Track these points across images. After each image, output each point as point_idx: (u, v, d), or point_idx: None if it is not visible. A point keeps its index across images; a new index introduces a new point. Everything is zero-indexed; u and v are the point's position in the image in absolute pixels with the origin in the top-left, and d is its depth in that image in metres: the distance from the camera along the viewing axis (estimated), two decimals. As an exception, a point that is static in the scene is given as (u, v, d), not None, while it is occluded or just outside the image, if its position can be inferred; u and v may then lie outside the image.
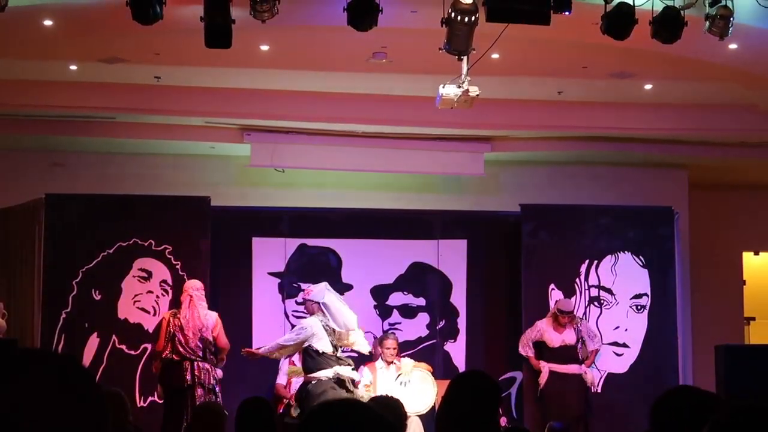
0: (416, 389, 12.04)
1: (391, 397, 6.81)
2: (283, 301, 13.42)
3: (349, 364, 10.99)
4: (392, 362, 12.32)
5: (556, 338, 12.82)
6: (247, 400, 5.89)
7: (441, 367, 13.48)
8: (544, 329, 12.88)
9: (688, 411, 3.26)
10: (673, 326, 13.62)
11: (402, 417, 5.94)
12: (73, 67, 11.88)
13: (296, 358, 12.01)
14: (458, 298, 13.86)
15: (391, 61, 11.60)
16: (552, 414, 12.70)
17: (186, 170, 13.77)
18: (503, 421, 13.41)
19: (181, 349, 11.13)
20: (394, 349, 12.39)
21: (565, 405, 12.69)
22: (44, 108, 12.52)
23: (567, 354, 12.81)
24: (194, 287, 11.52)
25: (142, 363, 12.63)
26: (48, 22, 10.06)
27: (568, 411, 12.61)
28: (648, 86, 12.55)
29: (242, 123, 13.14)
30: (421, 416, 11.59)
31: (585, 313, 13.39)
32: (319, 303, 10.91)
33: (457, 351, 13.78)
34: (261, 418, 5.51)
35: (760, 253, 16.41)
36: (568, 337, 12.82)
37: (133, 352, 12.60)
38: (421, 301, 13.80)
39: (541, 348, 12.87)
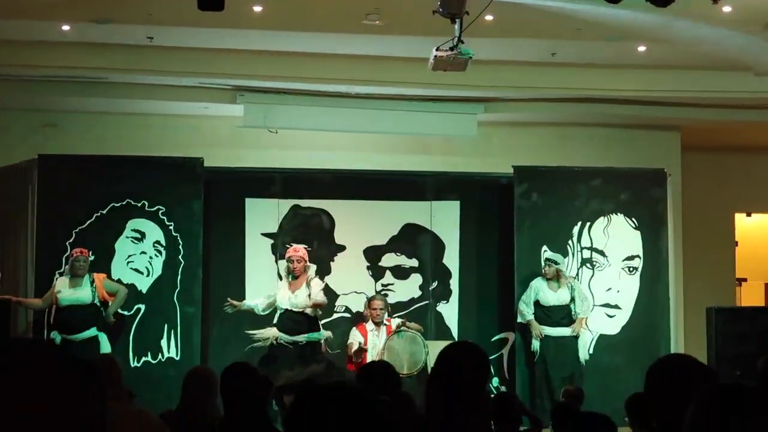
0: (405, 350, 12.08)
1: (382, 362, 6.84)
2: (276, 261, 13.44)
3: None
4: (381, 323, 12.36)
5: (551, 297, 12.89)
6: (233, 365, 5.89)
7: (433, 328, 13.54)
8: (539, 288, 12.94)
9: (682, 379, 3.28)
10: (665, 288, 13.67)
11: (395, 382, 5.96)
12: (66, 28, 11.81)
13: None
14: (451, 259, 13.90)
15: (385, 23, 11.56)
16: (544, 375, 12.79)
17: (179, 131, 13.74)
18: (495, 381, 13.49)
19: None
20: (381, 309, 12.42)
21: (557, 367, 12.77)
22: (36, 69, 12.46)
23: (561, 313, 12.87)
24: None
25: (135, 323, 12.68)
26: (40, -17, 10.00)
27: (559, 373, 12.70)
28: (641, 48, 12.52)
29: (235, 84, 13.10)
30: (411, 377, 11.63)
31: (577, 274, 13.44)
32: None
33: (449, 312, 13.83)
34: (248, 384, 5.50)
35: (752, 215, 16.45)
36: (563, 296, 12.88)
37: (126, 313, 12.63)
38: (414, 262, 13.84)
39: (535, 307, 12.93)
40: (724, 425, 2.33)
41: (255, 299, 12.36)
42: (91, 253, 12.28)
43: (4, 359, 1.69)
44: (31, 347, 1.73)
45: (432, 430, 3.73)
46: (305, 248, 12.50)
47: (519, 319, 13.05)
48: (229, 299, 12.28)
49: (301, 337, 11.86)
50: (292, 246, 12.46)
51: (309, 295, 11.85)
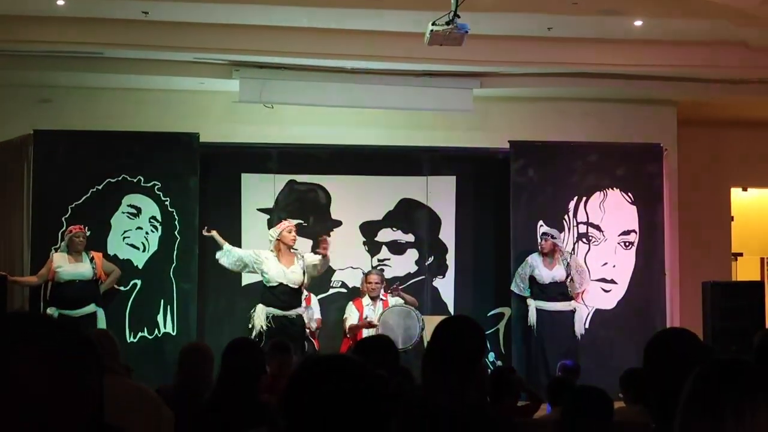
0: (400, 324, 12.07)
1: (381, 336, 6.84)
2: (273, 237, 13.43)
3: None
4: (377, 297, 12.37)
5: (546, 274, 12.90)
6: (236, 340, 5.90)
7: (429, 303, 13.56)
8: (534, 265, 12.95)
9: (679, 353, 3.29)
10: (661, 263, 13.69)
11: (394, 354, 5.97)
12: (61, 2, 11.76)
13: None
14: (447, 234, 13.91)
15: (381, -3, 11.53)
16: (540, 350, 12.81)
17: (175, 106, 13.71)
18: (492, 356, 13.52)
19: None
20: (377, 284, 12.43)
21: (554, 341, 12.80)
22: (31, 43, 12.41)
23: (557, 290, 12.89)
24: None
25: (131, 299, 12.69)
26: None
27: (556, 347, 12.72)
28: (638, 23, 12.50)
29: (231, 59, 13.06)
30: (407, 352, 11.62)
31: (573, 249, 13.45)
32: None
33: (445, 287, 13.85)
34: (249, 358, 5.51)
35: (748, 189, 16.44)
36: (558, 273, 12.89)
37: (122, 288, 12.64)
38: (410, 238, 13.85)
39: (531, 283, 12.95)
40: (720, 401, 2.34)
41: (236, 250, 12.04)
42: (87, 228, 12.28)
43: (2, 332, 1.69)
44: (29, 320, 1.74)
45: (429, 403, 3.74)
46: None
47: (513, 288, 13.04)
48: (212, 231, 12.05)
49: (293, 312, 11.63)
50: (287, 221, 12.18)
51: (303, 272, 11.71)
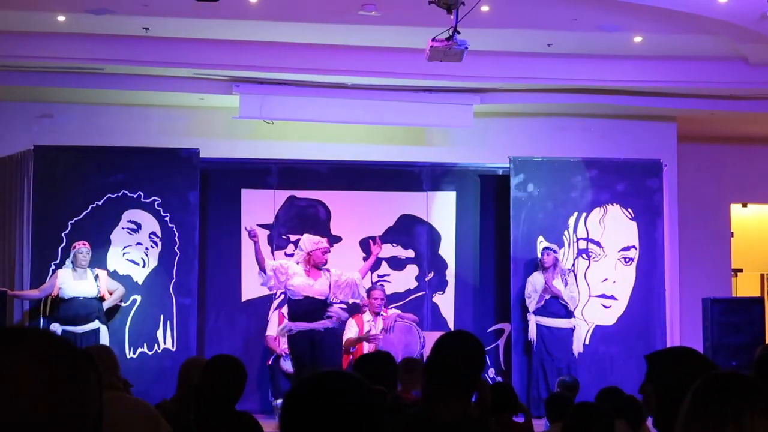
0: (401, 340, 12.08)
1: (381, 352, 6.84)
2: (272, 252, 13.44)
3: None
4: (379, 313, 12.37)
5: (542, 288, 12.91)
6: (219, 356, 5.83)
7: (429, 318, 13.56)
8: (535, 282, 12.97)
9: (684, 371, 3.29)
10: (661, 278, 13.69)
11: (394, 370, 5.97)
12: (62, 18, 11.80)
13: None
14: (447, 250, 13.91)
15: (381, 13, 11.55)
16: (540, 366, 12.81)
17: (175, 122, 13.74)
18: (491, 372, 13.51)
19: None
20: (381, 299, 12.44)
21: (554, 357, 12.80)
22: (32, 59, 12.44)
23: (557, 304, 12.89)
24: None
25: (131, 315, 12.69)
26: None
27: (555, 363, 12.72)
28: (637, 39, 12.52)
29: (231, 74, 13.08)
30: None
31: (573, 265, 13.45)
32: None
33: (445, 303, 13.84)
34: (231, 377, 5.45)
35: (748, 205, 16.45)
36: (558, 287, 12.90)
37: (122, 304, 12.64)
38: (410, 253, 13.84)
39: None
40: (720, 413, 2.34)
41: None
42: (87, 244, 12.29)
43: (2, 347, 1.69)
44: (29, 335, 1.73)
45: (428, 419, 3.73)
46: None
47: (530, 307, 13.00)
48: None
49: (319, 325, 11.28)
50: (320, 242, 11.75)
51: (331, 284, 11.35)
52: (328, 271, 11.34)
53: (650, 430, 7.12)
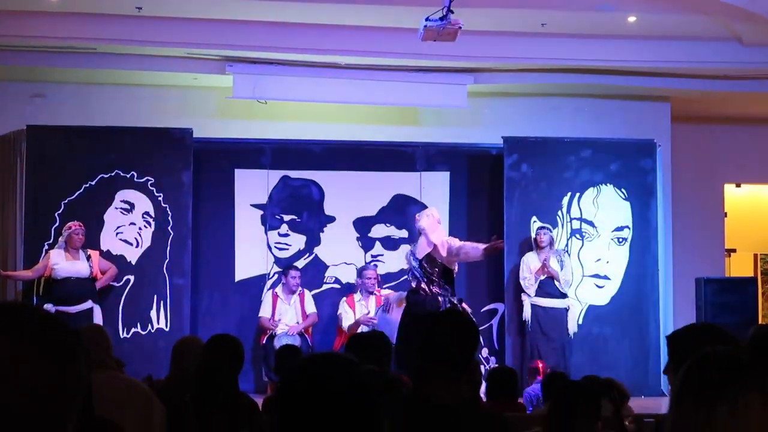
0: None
1: (376, 332, 6.84)
2: (266, 232, 13.45)
3: None
4: (372, 293, 12.39)
5: (537, 268, 12.91)
6: (218, 335, 5.85)
7: (423, 298, 13.54)
8: (528, 262, 12.97)
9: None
10: (654, 258, 13.70)
11: (387, 350, 5.96)
12: (54, -2, 11.77)
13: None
14: (441, 230, 13.88)
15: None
16: (534, 346, 12.82)
17: (168, 102, 13.70)
18: (485, 352, 13.52)
19: None
20: (376, 279, 12.47)
21: (548, 338, 12.81)
22: (25, 39, 12.40)
23: (552, 285, 12.89)
24: None
25: (124, 295, 12.68)
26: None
27: (550, 344, 12.73)
28: (631, 19, 12.50)
29: (224, 54, 13.04)
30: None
31: (567, 245, 13.46)
32: None
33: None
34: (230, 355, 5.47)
35: (742, 185, 16.45)
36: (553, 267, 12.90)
37: (116, 284, 12.63)
38: (404, 233, 13.82)
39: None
40: (713, 392, 2.33)
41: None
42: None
43: None
44: (16, 313, 1.72)
45: (422, 398, 3.74)
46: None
47: (525, 288, 13.01)
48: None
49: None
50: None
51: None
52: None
53: (632, 409, 7.21)
